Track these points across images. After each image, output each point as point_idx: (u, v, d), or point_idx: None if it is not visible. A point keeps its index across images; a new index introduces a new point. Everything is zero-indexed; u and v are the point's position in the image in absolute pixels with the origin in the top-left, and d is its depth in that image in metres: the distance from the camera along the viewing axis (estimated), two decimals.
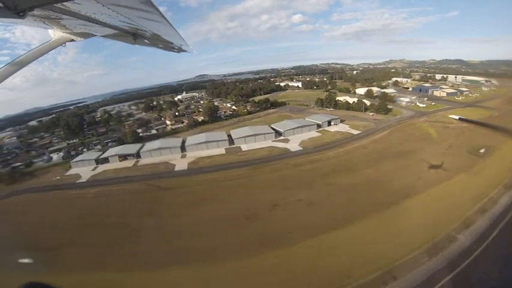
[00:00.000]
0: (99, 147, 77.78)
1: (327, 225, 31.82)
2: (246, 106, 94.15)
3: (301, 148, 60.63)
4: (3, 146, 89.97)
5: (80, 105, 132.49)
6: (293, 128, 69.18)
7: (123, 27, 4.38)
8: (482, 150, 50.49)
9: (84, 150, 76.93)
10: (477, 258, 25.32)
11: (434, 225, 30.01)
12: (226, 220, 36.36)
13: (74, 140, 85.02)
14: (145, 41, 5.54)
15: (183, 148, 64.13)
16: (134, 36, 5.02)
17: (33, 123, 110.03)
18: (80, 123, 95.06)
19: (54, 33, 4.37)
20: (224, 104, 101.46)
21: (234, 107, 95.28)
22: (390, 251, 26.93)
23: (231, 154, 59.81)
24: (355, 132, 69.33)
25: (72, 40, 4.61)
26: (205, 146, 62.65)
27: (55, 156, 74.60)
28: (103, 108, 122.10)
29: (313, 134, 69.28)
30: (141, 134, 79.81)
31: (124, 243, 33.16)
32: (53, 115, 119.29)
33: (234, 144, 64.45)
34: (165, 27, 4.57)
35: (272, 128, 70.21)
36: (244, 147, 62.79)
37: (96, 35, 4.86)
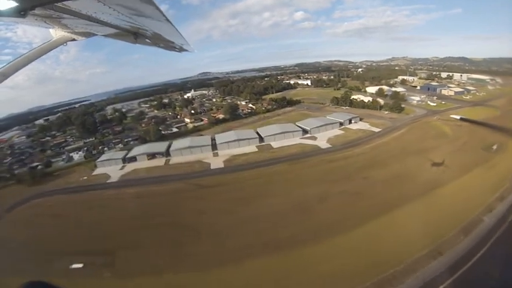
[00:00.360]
0: (120, 145, 76.85)
1: (374, 212, 34.38)
2: (263, 104, 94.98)
3: (330, 145, 62.42)
4: (13, 145, 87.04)
5: (85, 103, 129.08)
6: (318, 126, 70.70)
7: (124, 26, 4.39)
8: (494, 147, 53.96)
9: (105, 149, 75.84)
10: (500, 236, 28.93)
11: (463, 210, 33.47)
12: (280, 214, 37.38)
13: (91, 139, 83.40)
14: (147, 40, 5.54)
15: (213, 146, 64.60)
16: (135, 35, 5.01)
17: (41, 121, 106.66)
18: (93, 122, 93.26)
19: (56, 33, 4.36)
20: (239, 102, 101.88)
21: (251, 105, 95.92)
22: (432, 231, 30.03)
23: (263, 151, 60.89)
24: (376, 130, 71.56)
25: (74, 39, 4.63)
26: (236, 144, 63.30)
27: (76, 156, 73.06)
28: (111, 106, 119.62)
29: (337, 131, 71.07)
30: (163, 132, 79.31)
31: (183, 244, 33.30)
32: (59, 113, 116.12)
33: (263, 141, 65.52)
34: (166, 27, 4.54)
35: (298, 126, 71.60)
36: (274, 144, 63.94)
37: (97, 35, 4.86)
